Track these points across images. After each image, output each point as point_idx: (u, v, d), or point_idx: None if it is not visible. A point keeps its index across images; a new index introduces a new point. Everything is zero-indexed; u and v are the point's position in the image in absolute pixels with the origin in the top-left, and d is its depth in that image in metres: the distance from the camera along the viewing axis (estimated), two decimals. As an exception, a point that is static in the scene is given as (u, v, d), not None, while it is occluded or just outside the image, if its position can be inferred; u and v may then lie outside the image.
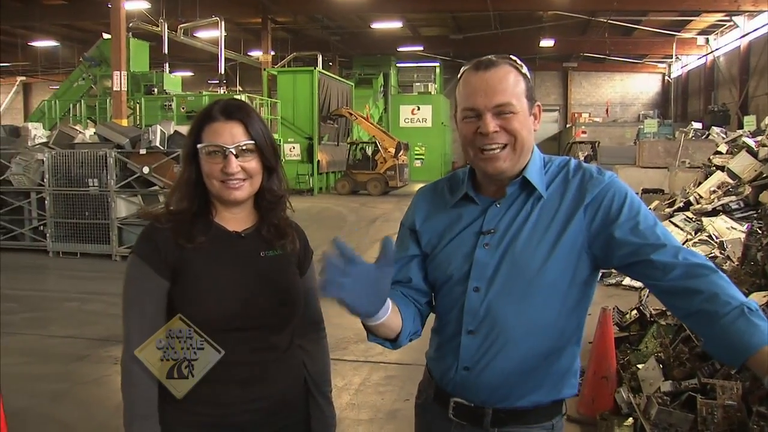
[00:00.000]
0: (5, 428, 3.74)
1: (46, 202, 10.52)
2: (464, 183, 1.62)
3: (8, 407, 3.71)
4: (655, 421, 3.68)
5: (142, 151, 9.98)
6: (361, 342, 5.75)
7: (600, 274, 1.63)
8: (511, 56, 1.55)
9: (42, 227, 10.77)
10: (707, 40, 28.99)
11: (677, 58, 31.80)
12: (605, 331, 4.21)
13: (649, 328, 5.04)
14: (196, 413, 1.63)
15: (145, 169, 9.86)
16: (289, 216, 1.78)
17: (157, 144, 10.05)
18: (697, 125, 21.71)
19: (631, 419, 3.97)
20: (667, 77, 35.82)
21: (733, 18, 25.26)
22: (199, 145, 1.63)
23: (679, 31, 28.36)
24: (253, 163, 1.63)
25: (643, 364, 4.37)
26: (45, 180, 10.47)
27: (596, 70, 36.98)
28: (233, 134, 1.61)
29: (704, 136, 18.43)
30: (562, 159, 1.61)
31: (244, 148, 1.61)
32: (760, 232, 4.87)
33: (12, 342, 5.66)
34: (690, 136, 18.47)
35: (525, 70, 1.54)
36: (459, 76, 1.57)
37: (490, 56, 1.54)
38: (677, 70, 34.51)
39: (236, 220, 1.70)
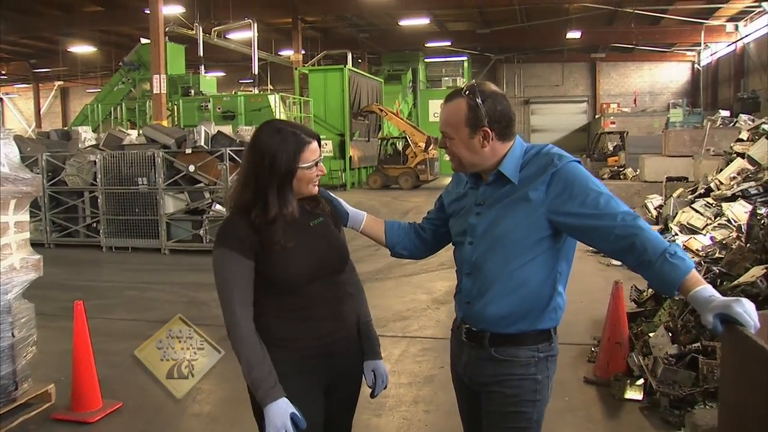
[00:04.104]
0: (99, 390, 4.39)
1: (98, 200, 11.25)
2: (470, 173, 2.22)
3: (95, 375, 4.37)
4: (661, 379, 4.17)
5: (188, 151, 10.63)
6: (399, 321, 6.30)
7: (567, 241, 2.10)
8: (472, 85, 2.07)
9: (95, 224, 11.51)
10: (736, 27, 28.86)
11: (706, 45, 31.64)
12: (617, 303, 4.69)
13: (663, 303, 5.51)
14: (299, 348, 2.14)
15: (191, 168, 10.51)
16: None
17: (202, 143, 10.69)
18: (725, 113, 21.71)
19: (641, 380, 4.44)
20: (696, 65, 35.61)
21: (762, 4, 25.15)
22: (306, 165, 2.13)
23: (707, 19, 28.28)
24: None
25: (653, 333, 4.84)
26: (97, 180, 11.19)
27: (624, 60, 36.90)
28: (317, 148, 2.20)
29: (731, 124, 18.53)
30: (538, 147, 2.11)
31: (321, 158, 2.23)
32: (762, 212, 5.29)
33: (85, 324, 6.30)
34: (717, 125, 18.60)
35: (478, 99, 2.02)
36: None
37: (454, 90, 2.11)
38: (706, 58, 34.29)
39: None
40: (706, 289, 1.77)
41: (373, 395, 2.40)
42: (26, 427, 4.17)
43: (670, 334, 4.65)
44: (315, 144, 2.18)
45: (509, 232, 2.02)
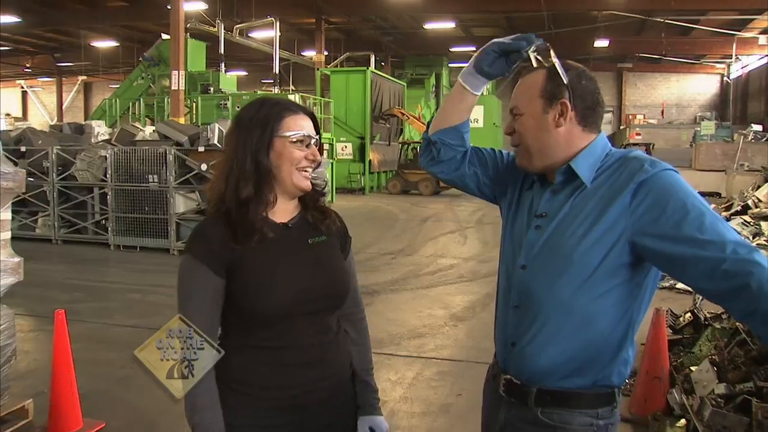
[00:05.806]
0: (80, 408, 3.98)
1: (108, 197, 10.90)
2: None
3: (79, 390, 3.96)
4: (708, 423, 3.69)
5: (201, 149, 10.25)
6: (414, 338, 5.86)
7: (651, 274, 1.60)
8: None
9: (104, 221, 11.15)
10: (769, 40, 28.22)
11: (737, 58, 30.95)
12: (658, 332, 4.21)
13: (704, 331, 5.02)
14: (262, 397, 1.68)
15: (203, 167, 10.12)
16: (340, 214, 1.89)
17: (215, 142, 10.30)
18: (758, 127, 21.19)
19: (683, 420, 3.97)
20: (725, 78, 34.95)
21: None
22: (288, 133, 1.66)
23: (739, 31, 27.63)
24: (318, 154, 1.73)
25: (696, 367, 4.36)
26: (107, 176, 10.84)
27: (652, 70, 36.34)
28: (310, 126, 1.71)
29: (765, 139, 17.99)
30: (625, 151, 1.64)
31: (316, 138, 1.72)
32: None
33: (80, 329, 5.90)
34: (749, 139, 18.06)
35: (560, 68, 1.60)
36: None
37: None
38: (737, 71, 33.60)
39: (285, 212, 1.75)
40: None
41: None
42: (-2, 447, 3.78)
43: (716, 369, 4.18)
44: (303, 116, 1.70)
45: (578, 254, 1.53)
